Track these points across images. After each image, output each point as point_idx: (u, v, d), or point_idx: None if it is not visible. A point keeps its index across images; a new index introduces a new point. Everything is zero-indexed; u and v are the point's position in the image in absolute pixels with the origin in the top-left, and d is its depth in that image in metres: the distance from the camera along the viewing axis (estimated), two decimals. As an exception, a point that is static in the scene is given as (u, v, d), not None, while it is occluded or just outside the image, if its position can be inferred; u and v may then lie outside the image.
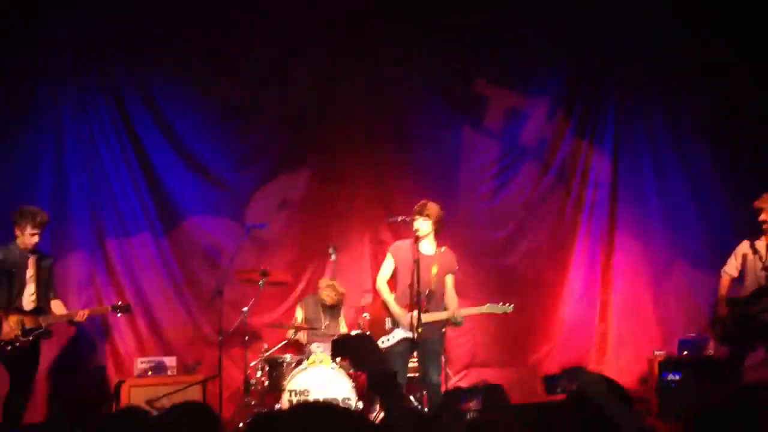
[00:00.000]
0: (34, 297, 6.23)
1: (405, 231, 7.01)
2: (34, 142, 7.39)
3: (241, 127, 8.04)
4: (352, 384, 6.38)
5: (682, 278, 8.25)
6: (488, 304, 6.29)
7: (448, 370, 7.29)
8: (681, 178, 8.40)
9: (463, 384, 7.54)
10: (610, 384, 2.58)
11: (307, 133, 8.17)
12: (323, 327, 7.08)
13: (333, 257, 7.55)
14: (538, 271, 8.31)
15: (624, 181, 8.44)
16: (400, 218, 6.88)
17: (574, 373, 7.16)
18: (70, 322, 6.43)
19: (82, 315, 6.33)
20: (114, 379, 7.25)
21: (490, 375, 7.74)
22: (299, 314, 7.34)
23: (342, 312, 7.34)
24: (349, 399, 6.35)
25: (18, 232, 6.23)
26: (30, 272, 6.25)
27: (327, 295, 7.08)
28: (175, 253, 7.74)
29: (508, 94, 8.43)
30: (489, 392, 4.54)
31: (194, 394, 6.69)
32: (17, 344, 6.04)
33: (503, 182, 8.39)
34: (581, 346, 8.22)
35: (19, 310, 6.15)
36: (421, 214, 6.24)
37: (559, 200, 8.45)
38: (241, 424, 6.56)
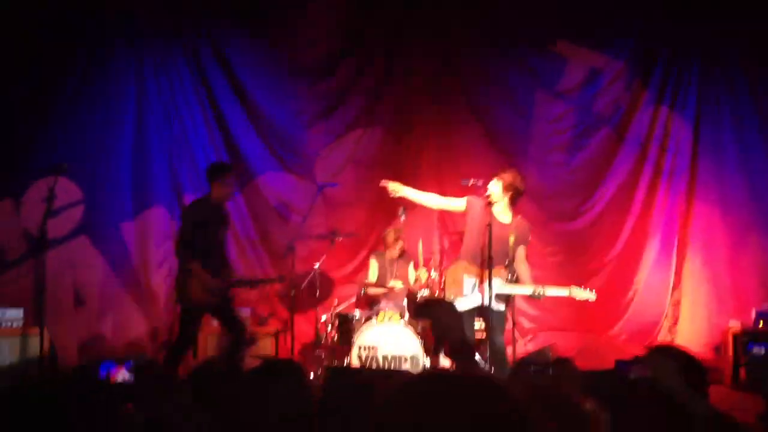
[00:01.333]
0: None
1: (477, 194, 7.00)
2: (117, 95, 7.60)
3: (313, 85, 8.11)
4: (421, 341, 6.45)
5: (760, 249, 8.01)
6: (573, 288, 6.16)
7: (516, 333, 7.30)
8: (763, 149, 8.11)
9: (531, 347, 7.55)
10: (688, 368, 2.53)
11: (378, 94, 8.19)
12: (393, 279, 7.16)
13: (402, 218, 7.59)
14: (610, 238, 8.19)
15: (704, 149, 8.19)
16: (471, 181, 6.86)
17: (649, 358, 7.06)
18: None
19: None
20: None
21: (558, 339, 7.72)
22: (373, 266, 7.43)
23: (410, 267, 7.40)
24: (416, 356, 6.43)
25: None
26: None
27: (391, 241, 7.17)
28: (249, 209, 7.92)
29: (589, 55, 8.24)
30: (557, 364, 4.54)
31: (266, 345, 6.88)
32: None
33: (576, 148, 8.25)
34: (653, 314, 8.10)
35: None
36: (496, 176, 6.17)
37: (635, 167, 8.27)
38: (312, 375, 6.73)
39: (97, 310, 7.35)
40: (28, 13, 7.17)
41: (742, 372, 7.06)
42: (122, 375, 3.10)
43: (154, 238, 7.66)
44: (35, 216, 6.39)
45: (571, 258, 8.08)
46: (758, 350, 6.98)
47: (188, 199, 7.76)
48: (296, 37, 8.00)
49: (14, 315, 6.70)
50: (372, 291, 7.23)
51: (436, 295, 6.91)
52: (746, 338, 7.10)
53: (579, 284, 6.07)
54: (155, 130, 7.71)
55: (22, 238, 7.21)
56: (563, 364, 4.66)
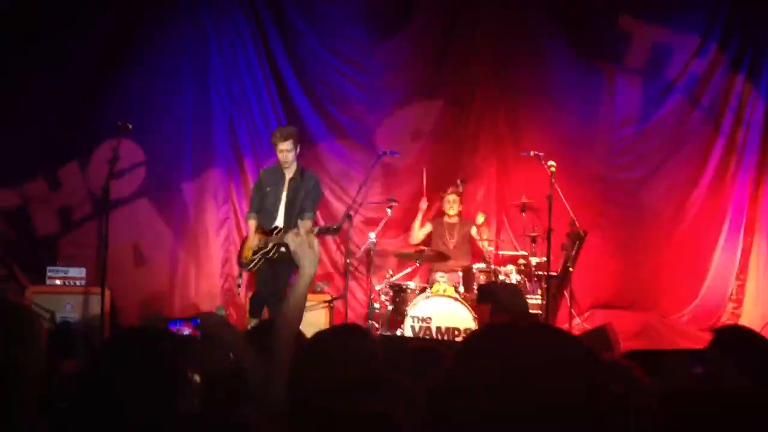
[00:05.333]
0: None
1: (536, 167, 6.90)
2: (180, 55, 7.66)
3: (374, 53, 8.03)
4: (474, 315, 6.41)
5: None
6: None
7: (573, 311, 7.21)
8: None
9: (588, 325, 7.42)
10: (755, 357, 2.42)
11: (441, 63, 8.07)
12: (450, 246, 7.14)
13: (461, 189, 7.52)
14: (677, 212, 7.95)
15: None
16: (533, 153, 6.78)
17: (711, 353, 6.86)
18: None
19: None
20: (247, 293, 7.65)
21: (615, 318, 7.57)
22: (424, 228, 7.41)
23: (469, 239, 7.35)
24: (470, 329, 6.40)
25: None
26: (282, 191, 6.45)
27: (449, 207, 7.13)
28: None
29: (654, 29, 7.96)
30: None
31: (320, 313, 6.93)
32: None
33: (645, 118, 7.99)
34: (718, 295, 7.87)
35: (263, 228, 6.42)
36: None
37: (707, 139, 7.97)
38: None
39: (157, 270, 7.50)
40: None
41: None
42: (189, 332, 3.15)
43: (213, 199, 7.75)
44: (100, 177, 6.52)
45: (636, 228, 7.87)
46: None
47: (247, 162, 7.82)
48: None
49: (77, 273, 6.90)
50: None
51: (490, 267, 6.86)
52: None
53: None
54: (216, 91, 7.75)
55: (86, 199, 7.39)
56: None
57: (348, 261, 7.03)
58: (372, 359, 2.17)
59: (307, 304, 6.86)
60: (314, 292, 7.45)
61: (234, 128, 7.81)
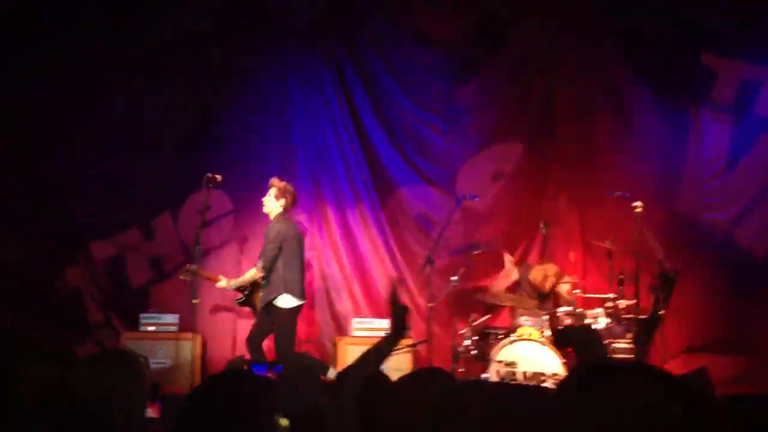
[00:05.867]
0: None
1: (622, 208, 6.78)
2: (265, 106, 7.94)
3: (454, 99, 8.11)
4: (562, 360, 6.28)
5: None
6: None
7: (664, 355, 6.96)
8: None
9: (680, 371, 7.14)
10: None
11: (521, 105, 8.08)
12: (534, 301, 7.02)
13: (543, 231, 7.44)
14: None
15: None
16: (618, 193, 6.68)
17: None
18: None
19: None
20: (332, 335, 7.74)
21: (711, 362, 7.26)
22: (513, 275, 7.33)
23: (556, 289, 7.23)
24: (557, 374, 6.26)
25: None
26: None
27: (537, 281, 7.01)
28: (389, 221, 8.01)
29: (740, 65, 7.75)
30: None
31: (404, 357, 6.93)
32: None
33: (735, 155, 7.71)
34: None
35: None
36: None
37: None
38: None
39: (245, 315, 7.65)
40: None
41: None
42: (270, 379, 3.25)
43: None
44: (190, 226, 6.78)
45: (731, 272, 7.56)
46: None
47: (330, 210, 7.96)
48: (437, 37, 8.03)
49: (170, 320, 7.14)
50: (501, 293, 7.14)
51: (576, 311, 6.72)
52: None
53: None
54: (299, 143, 7.97)
55: (178, 248, 7.67)
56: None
57: (430, 305, 7.02)
58: (449, 401, 2.17)
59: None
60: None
61: (317, 179, 7.98)
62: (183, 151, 7.70)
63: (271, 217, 6.73)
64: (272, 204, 6.71)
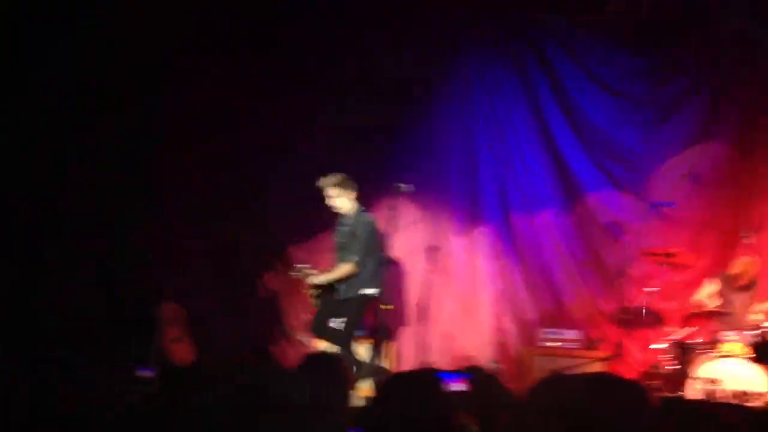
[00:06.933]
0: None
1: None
2: (448, 116, 8.01)
3: (647, 104, 7.75)
4: (771, 378, 5.81)
5: None
6: None
7: None
8: None
9: None
10: None
11: (719, 104, 7.56)
12: (734, 309, 6.55)
13: (745, 241, 6.89)
14: None
15: None
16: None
17: None
18: None
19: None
20: (518, 345, 7.65)
21: None
22: (706, 289, 6.85)
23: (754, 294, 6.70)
24: (764, 393, 5.81)
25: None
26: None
27: (741, 270, 6.54)
28: (578, 228, 7.79)
29: None
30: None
31: (597, 370, 6.71)
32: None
33: None
34: None
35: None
36: None
37: None
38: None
39: (432, 323, 7.77)
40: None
41: None
42: (458, 386, 3.26)
43: (482, 255, 7.90)
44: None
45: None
46: None
47: (515, 217, 7.87)
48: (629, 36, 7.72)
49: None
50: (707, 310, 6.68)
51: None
52: None
53: None
54: (483, 151, 7.96)
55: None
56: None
57: (623, 317, 6.75)
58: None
59: (582, 361, 6.73)
60: (589, 348, 7.25)
61: (502, 185, 7.93)
62: (370, 159, 7.94)
63: (351, 212, 6.64)
64: (345, 201, 6.61)
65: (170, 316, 7.38)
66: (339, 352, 6.26)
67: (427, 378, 2.27)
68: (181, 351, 6.73)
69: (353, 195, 6.61)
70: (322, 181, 6.57)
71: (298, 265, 6.80)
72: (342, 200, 6.60)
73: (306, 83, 7.92)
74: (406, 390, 2.12)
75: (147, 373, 3.49)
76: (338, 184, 6.56)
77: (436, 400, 2.08)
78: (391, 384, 2.43)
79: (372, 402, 2.27)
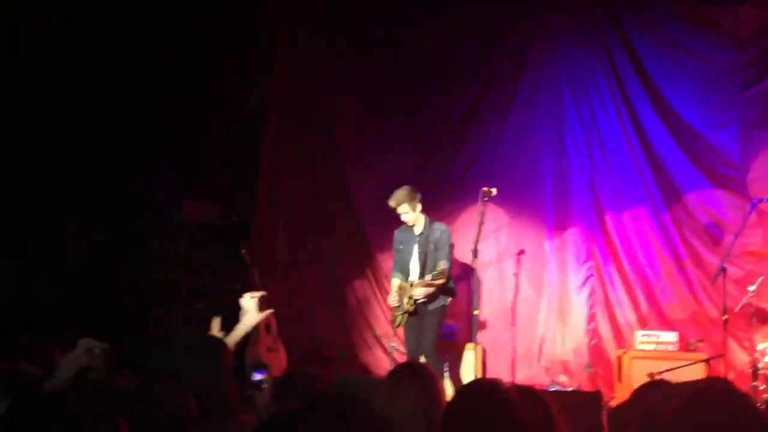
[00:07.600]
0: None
1: None
2: (539, 123, 7.92)
3: (744, 90, 7.43)
4: None
5: None
6: None
7: None
8: None
9: None
10: None
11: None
12: None
13: None
14: None
15: None
16: None
17: None
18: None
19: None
20: (613, 348, 7.48)
21: None
22: None
23: None
24: None
25: None
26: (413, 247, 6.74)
27: None
28: (676, 227, 7.54)
29: None
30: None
31: (696, 372, 6.50)
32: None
33: None
34: None
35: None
36: None
37: None
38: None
39: (521, 328, 7.69)
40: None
41: None
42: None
43: (575, 258, 7.76)
44: (467, 240, 6.97)
45: None
46: None
47: (609, 218, 7.69)
48: (719, 36, 7.45)
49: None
50: None
51: None
52: None
53: None
54: (574, 152, 7.80)
55: (455, 261, 7.90)
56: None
57: (725, 318, 6.50)
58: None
59: (681, 362, 6.52)
60: (689, 350, 7.04)
61: (594, 186, 7.77)
62: (451, 161, 7.95)
63: (421, 222, 6.69)
64: (413, 214, 6.63)
65: (265, 325, 7.56)
66: (426, 360, 6.28)
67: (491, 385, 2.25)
68: (276, 360, 6.90)
69: (419, 206, 6.71)
70: (393, 200, 6.66)
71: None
72: (409, 213, 6.68)
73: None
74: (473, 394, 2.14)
75: (260, 376, 3.87)
76: (409, 199, 6.63)
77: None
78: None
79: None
